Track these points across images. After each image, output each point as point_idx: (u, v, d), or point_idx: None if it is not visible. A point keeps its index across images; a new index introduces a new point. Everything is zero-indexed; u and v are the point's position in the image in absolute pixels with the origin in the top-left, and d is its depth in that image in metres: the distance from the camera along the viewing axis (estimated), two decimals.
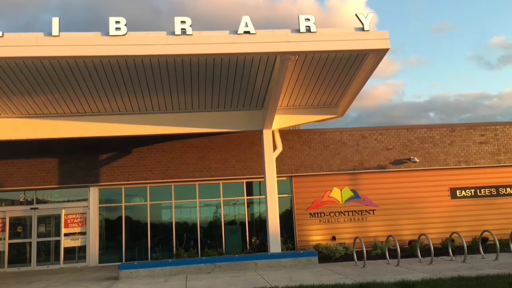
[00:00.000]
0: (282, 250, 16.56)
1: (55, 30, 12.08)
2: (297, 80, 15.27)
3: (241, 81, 15.06)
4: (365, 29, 12.84)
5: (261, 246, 18.09)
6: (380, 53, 13.24)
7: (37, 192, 18.63)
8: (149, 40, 12.47)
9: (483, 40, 72.40)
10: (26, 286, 13.42)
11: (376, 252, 16.67)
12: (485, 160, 19.77)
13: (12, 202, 18.76)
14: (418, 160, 19.37)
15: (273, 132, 17.15)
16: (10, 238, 18.20)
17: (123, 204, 18.76)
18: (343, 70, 14.68)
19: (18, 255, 18.23)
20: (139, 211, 18.90)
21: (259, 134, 17.32)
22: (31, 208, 18.45)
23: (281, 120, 17.20)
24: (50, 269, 17.65)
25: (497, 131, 20.07)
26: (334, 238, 18.55)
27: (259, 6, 65.30)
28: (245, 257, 15.27)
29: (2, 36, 11.94)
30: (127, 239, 18.56)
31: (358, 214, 19.04)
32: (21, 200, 18.63)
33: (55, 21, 12.12)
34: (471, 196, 19.50)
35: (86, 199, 18.62)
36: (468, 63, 74.19)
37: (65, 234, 18.39)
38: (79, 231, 18.48)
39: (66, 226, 18.44)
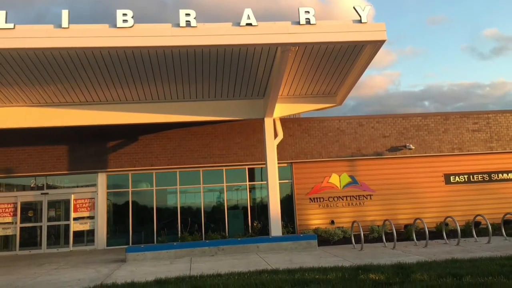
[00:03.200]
0: (282, 233, 16.98)
1: (64, 22, 12.40)
2: (297, 70, 15.61)
3: (243, 71, 15.39)
4: (362, 21, 13.15)
5: (263, 230, 18.53)
6: (377, 44, 13.57)
7: (48, 178, 19.07)
8: (155, 32, 12.78)
9: (476, 32, 72.63)
10: (37, 268, 13.74)
11: (373, 235, 17.01)
12: (478, 147, 20.18)
13: (24, 188, 19.20)
14: (413, 147, 19.79)
15: (274, 120, 17.51)
16: (21, 222, 18.66)
17: (130, 190, 19.19)
18: (341, 61, 15.01)
19: (29, 239, 18.70)
20: (146, 196, 19.35)
21: (261, 122, 17.67)
22: (42, 193, 18.89)
23: (282, 109, 17.56)
24: (59, 252, 18.09)
25: (490, 119, 20.45)
26: (332, 222, 19.02)
27: None
28: (247, 241, 15.55)
29: (14, 28, 12.25)
30: (134, 223, 19.00)
31: (356, 199, 19.51)
32: (32, 185, 19.07)
33: (65, 14, 12.44)
34: (464, 182, 19.93)
35: (94, 185, 19.04)
36: (461, 54, 74.42)
37: (74, 218, 18.84)
38: (88, 215, 18.94)
39: (75, 210, 18.89)
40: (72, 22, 12.53)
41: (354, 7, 13.29)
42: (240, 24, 12.94)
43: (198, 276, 10.46)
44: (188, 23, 12.74)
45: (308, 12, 13.12)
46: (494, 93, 66.08)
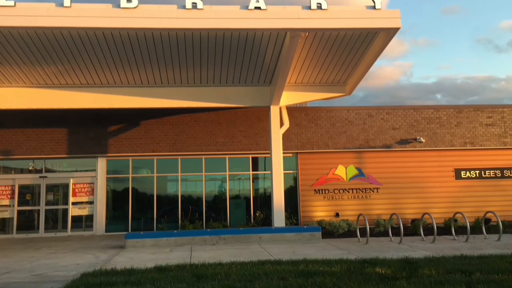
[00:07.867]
0: (286, 225, 16.75)
1: (66, 0, 12.06)
2: (306, 57, 15.21)
3: (250, 56, 15.02)
4: (376, 7, 12.74)
5: (265, 221, 18.28)
6: (390, 32, 13.14)
7: (46, 161, 18.87)
8: (159, 13, 12.44)
9: (492, 23, 71.58)
10: (34, 252, 13.66)
11: (379, 229, 16.66)
12: (491, 142, 19.78)
13: (21, 170, 19.02)
14: (424, 140, 19.41)
15: (280, 108, 17.16)
16: (19, 205, 18.54)
17: (130, 176, 18.98)
18: (352, 49, 14.60)
19: (26, 222, 18.58)
20: (146, 182, 19.15)
21: (267, 110, 17.33)
22: (40, 177, 18.69)
23: (289, 97, 17.19)
24: (57, 236, 17.97)
25: (505, 113, 20.04)
26: (337, 214, 18.76)
27: None
28: (250, 231, 15.39)
29: (14, 5, 11.96)
30: (133, 210, 18.83)
31: (362, 192, 19.19)
32: (30, 168, 18.87)
33: None
34: (475, 177, 19.60)
35: (94, 170, 18.84)
36: (476, 46, 73.49)
37: (73, 203, 18.69)
38: (87, 200, 18.77)
39: (74, 195, 18.73)
40: (75, 1, 12.20)
41: None
42: (249, 8, 12.55)
43: (199, 264, 10.32)
44: (194, 5, 12.40)
45: None
46: (510, 87, 65.24)
